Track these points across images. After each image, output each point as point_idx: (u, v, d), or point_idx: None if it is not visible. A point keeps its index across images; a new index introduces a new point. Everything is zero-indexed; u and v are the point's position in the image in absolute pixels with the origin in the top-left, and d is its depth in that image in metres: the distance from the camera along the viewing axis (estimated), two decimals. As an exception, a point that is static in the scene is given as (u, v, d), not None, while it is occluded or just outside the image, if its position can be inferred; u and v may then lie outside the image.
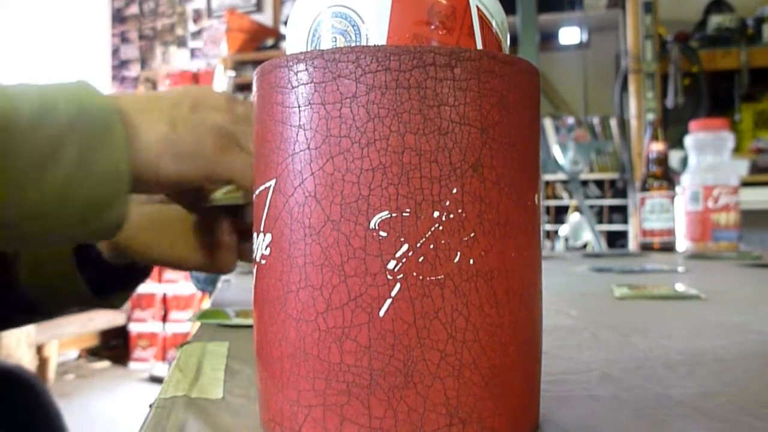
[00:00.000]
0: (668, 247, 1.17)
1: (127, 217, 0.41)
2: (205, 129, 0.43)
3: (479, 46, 0.22)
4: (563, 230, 2.53)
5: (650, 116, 2.25)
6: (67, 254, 0.54)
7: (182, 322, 3.41)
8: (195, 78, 3.95)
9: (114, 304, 0.59)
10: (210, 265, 0.54)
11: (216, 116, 0.44)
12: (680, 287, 0.60)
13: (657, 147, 1.20)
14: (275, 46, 3.53)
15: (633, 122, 2.36)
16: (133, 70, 4.20)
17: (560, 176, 2.83)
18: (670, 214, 1.17)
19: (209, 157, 0.43)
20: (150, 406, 0.26)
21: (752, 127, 2.57)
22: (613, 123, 2.69)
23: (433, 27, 0.21)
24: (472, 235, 0.20)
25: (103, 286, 0.57)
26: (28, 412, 0.67)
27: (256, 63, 3.31)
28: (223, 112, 0.45)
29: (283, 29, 3.65)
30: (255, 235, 0.23)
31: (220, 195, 0.51)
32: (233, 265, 0.54)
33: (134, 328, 3.46)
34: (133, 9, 4.20)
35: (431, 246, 0.19)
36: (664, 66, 2.38)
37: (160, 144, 0.42)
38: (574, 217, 2.57)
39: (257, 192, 0.22)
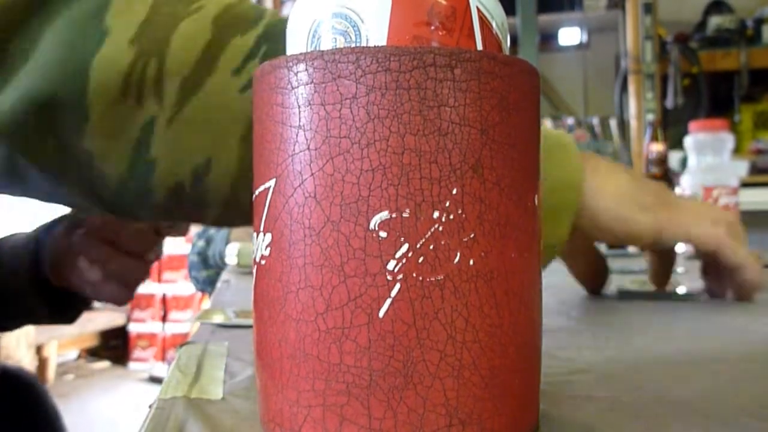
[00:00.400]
0: (668, 248, 1.16)
1: (567, 236, 0.42)
2: (659, 187, 0.46)
3: (479, 47, 0.22)
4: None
5: (650, 117, 2.25)
6: (24, 274, 0.56)
7: (182, 323, 3.41)
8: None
9: (67, 320, 0.61)
10: (96, 294, 0.56)
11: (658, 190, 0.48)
12: (681, 290, 0.60)
13: (657, 148, 1.20)
14: (275, 46, 3.52)
15: (633, 123, 2.36)
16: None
17: (560, 177, 2.83)
18: (670, 214, 1.17)
19: (666, 212, 0.45)
20: (149, 406, 0.26)
21: (752, 128, 2.57)
22: (613, 123, 2.69)
23: (433, 28, 0.21)
24: (472, 235, 0.20)
25: (57, 303, 0.59)
26: (29, 414, 0.67)
27: (255, 63, 3.30)
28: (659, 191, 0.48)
29: (282, 30, 3.64)
30: (255, 235, 0.23)
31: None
32: (122, 299, 0.56)
33: (134, 328, 3.46)
34: (133, 9, 4.20)
35: (431, 247, 0.19)
36: (663, 67, 2.38)
37: (621, 190, 0.44)
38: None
39: (257, 192, 0.22)
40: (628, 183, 0.45)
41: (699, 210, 0.47)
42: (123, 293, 0.56)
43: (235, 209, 0.37)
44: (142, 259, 0.56)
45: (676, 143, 1.70)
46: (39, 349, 2.91)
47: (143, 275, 0.57)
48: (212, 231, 1.23)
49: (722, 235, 0.45)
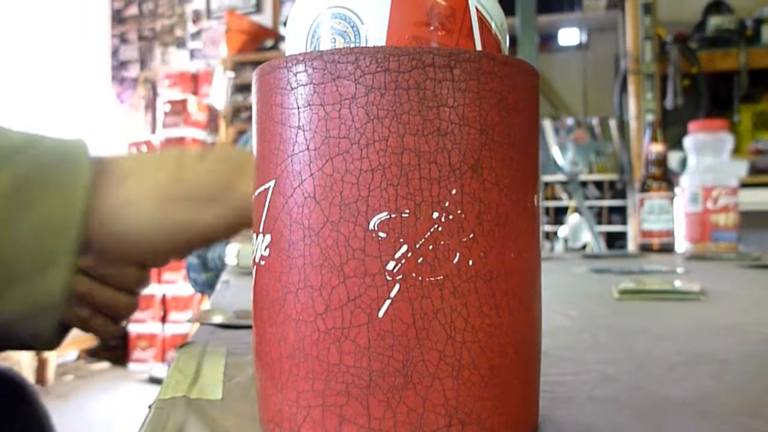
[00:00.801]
0: (667, 248, 1.17)
1: (70, 286, 0.35)
2: (227, 166, 0.38)
3: (478, 47, 0.22)
4: (562, 231, 2.53)
5: (649, 117, 2.25)
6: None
7: (181, 323, 3.41)
8: (194, 79, 3.95)
9: (49, 346, 0.60)
10: (85, 328, 0.55)
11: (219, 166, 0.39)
12: (678, 284, 0.61)
13: (656, 148, 1.20)
14: (275, 47, 3.53)
15: (632, 123, 2.36)
16: (133, 71, 4.21)
17: (559, 177, 2.84)
18: (670, 215, 1.17)
19: (241, 188, 0.37)
20: (149, 406, 0.26)
21: (751, 128, 2.57)
22: (613, 124, 2.69)
23: (432, 28, 0.21)
24: (471, 236, 0.20)
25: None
26: (16, 414, 0.67)
27: (255, 64, 3.31)
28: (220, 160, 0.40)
29: (282, 30, 3.65)
30: (254, 235, 0.23)
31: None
32: (111, 332, 0.55)
33: (133, 329, 3.45)
34: (133, 10, 4.20)
35: (430, 247, 0.19)
36: (663, 67, 2.38)
37: (161, 193, 0.36)
38: (573, 218, 2.57)
39: (256, 193, 0.22)
40: (170, 181, 0.37)
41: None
42: (112, 327, 0.56)
43: None
44: (130, 292, 0.56)
45: (676, 143, 1.70)
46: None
47: (132, 309, 0.56)
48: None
49: None
